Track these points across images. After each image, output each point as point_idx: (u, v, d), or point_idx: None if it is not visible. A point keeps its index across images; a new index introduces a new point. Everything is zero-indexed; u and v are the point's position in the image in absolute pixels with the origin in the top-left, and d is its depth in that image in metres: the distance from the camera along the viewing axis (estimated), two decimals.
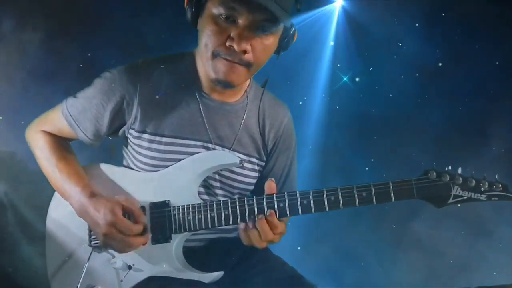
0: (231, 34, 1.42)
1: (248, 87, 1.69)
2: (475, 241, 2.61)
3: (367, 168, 2.75)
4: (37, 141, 1.65)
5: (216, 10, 1.43)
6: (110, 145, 1.81)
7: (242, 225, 1.47)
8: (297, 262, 1.72)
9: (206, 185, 1.64)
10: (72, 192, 1.56)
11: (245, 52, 1.43)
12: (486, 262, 2.57)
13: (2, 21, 2.24)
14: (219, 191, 1.66)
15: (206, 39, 1.46)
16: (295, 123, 1.80)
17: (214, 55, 1.46)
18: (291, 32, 1.54)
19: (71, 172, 1.60)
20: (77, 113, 1.60)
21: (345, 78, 2.79)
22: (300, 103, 2.74)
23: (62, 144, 1.66)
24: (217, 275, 1.52)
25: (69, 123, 1.61)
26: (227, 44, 1.43)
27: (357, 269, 2.79)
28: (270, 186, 1.48)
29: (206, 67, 1.50)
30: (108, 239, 1.49)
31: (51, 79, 2.23)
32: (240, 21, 1.42)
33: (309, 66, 2.74)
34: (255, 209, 1.46)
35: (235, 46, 1.42)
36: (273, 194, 1.47)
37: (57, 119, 1.63)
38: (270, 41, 1.48)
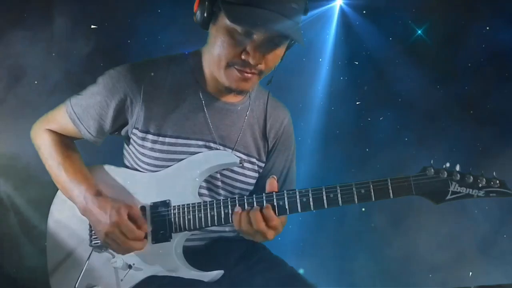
0: (247, 48, 1.45)
1: None
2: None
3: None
4: (42, 139, 1.66)
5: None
6: None
7: (237, 209, 1.48)
8: None
9: (209, 185, 1.66)
10: (77, 191, 1.57)
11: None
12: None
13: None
14: (221, 191, 1.67)
15: (220, 50, 1.47)
16: (294, 124, 1.81)
17: (228, 65, 1.49)
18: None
19: (76, 170, 1.61)
20: (81, 110, 1.62)
21: (345, 78, 2.80)
22: (300, 105, 2.76)
23: (67, 143, 1.68)
24: (216, 274, 1.52)
25: (72, 121, 1.63)
26: (243, 57, 1.45)
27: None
28: (272, 184, 1.49)
29: (218, 74, 1.52)
30: (109, 239, 1.51)
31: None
32: (256, 36, 1.44)
33: (308, 65, 2.76)
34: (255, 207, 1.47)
35: (251, 60, 1.45)
36: (272, 192, 1.48)
37: (61, 118, 1.65)
38: (282, 50, 1.53)
